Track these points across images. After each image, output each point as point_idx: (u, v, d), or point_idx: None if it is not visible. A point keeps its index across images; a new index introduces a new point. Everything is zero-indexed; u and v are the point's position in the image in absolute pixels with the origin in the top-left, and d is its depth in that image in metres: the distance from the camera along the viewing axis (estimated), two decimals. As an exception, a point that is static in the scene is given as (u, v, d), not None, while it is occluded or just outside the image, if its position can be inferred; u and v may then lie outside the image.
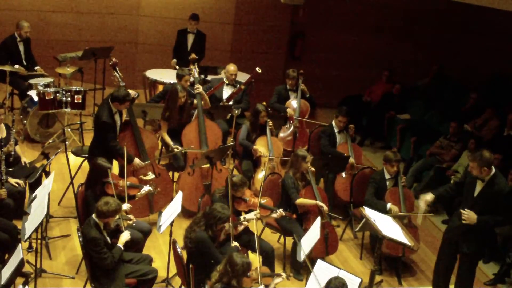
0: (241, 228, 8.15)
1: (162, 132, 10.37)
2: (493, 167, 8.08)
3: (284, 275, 7.57)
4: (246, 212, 8.63)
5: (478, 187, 8.13)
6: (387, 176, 9.68)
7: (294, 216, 9.06)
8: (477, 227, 8.09)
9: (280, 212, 8.77)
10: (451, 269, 8.62)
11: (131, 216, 8.18)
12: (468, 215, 8.06)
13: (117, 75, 10.12)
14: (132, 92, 9.67)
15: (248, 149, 10.69)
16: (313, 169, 9.37)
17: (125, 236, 7.73)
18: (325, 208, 9.09)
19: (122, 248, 7.65)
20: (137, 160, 9.49)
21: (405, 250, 9.23)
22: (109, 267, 7.49)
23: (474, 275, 8.55)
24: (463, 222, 8.11)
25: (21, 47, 12.37)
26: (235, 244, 7.90)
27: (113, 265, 7.51)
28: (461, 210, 8.14)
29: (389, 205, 9.33)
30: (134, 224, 8.18)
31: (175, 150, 10.14)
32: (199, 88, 10.52)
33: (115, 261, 7.53)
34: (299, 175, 9.26)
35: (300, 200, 9.09)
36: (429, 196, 8.57)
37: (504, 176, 10.06)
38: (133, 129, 9.72)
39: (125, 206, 8.26)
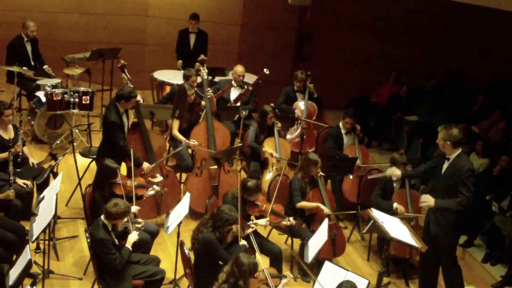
0: (248, 231, 8.15)
1: (173, 130, 10.31)
2: (460, 148, 8.15)
3: (291, 275, 7.57)
4: (257, 217, 8.64)
5: (445, 166, 8.23)
6: (394, 178, 9.68)
7: (304, 226, 9.03)
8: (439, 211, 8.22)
9: (291, 220, 8.74)
10: (435, 266, 8.59)
11: (140, 219, 8.18)
12: (425, 199, 8.19)
13: (125, 77, 10.13)
14: (138, 97, 9.67)
15: (256, 151, 10.68)
16: (322, 174, 9.37)
17: (133, 237, 7.72)
18: (326, 211, 9.06)
19: (131, 249, 7.65)
20: (146, 164, 9.48)
21: (412, 252, 9.21)
22: (118, 268, 7.50)
23: (460, 273, 8.51)
24: (422, 205, 8.30)
25: (29, 47, 12.40)
26: (243, 242, 7.90)
27: (122, 266, 7.52)
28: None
29: (395, 205, 9.33)
30: (142, 228, 8.18)
31: (192, 143, 10.12)
32: (209, 92, 10.51)
33: (124, 262, 7.54)
34: (308, 179, 9.26)
35: (301, 204, 9.11)
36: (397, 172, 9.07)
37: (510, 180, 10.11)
38: (141, 131, 9.73)
39: (134, 208, 8.25)
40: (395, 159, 9.66)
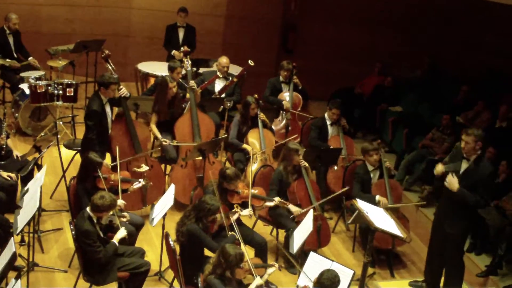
0: (234, 217, 8.14)
1: (151, 124, 10.36)
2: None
3: (276, 265, 7.59)
4: (240, 205, 8.63)
5: (464, 165, 8.19)
6: (369, 168, 9.71)
7: (288, 204, 9.04)
8: (458, 204, 8.12)
9: (275, 200, 8.78)
10: (441, 263, 8.59)
11: (125, 213, 8.17)
12: (451, 181, 8.08)
13: (109, 67, 10.09)
14: (124, 92, 9.61)
15: (236, 147, 10.68)
16: (307, 164, 9.37)
17: (121, 233, 7.70)
18: (295, 210, 9.03)
19: (117, 244, 7.63)
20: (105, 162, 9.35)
21: (395, 242, 9.23)
22: (101, 261, 7.48)
23: (463, 270, 8.54)
24: (445, 184, 8.14)
25: (11, 40, 12.34)
26: (231, 233, 7.89)
27: (105, 260, 7.50)
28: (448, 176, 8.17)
29: (377, 197, 9.36)
30: (127, 222, 8.17)
31: (163, 143, 10.14)
32: (193, 85, 10.50)
33: (108, 256, 7.52)
34: (291, 169, 9.26)
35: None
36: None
37: (496, 168, 10.13)
38: (127, 121, 9.69)
39: (119, 202, 8.22)
40: (365, 147, 9.73)
